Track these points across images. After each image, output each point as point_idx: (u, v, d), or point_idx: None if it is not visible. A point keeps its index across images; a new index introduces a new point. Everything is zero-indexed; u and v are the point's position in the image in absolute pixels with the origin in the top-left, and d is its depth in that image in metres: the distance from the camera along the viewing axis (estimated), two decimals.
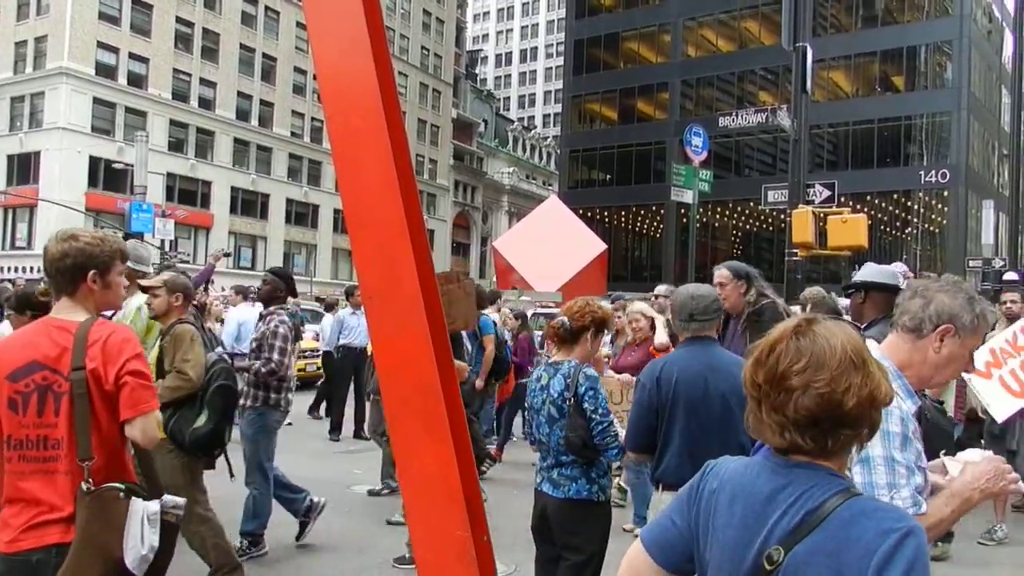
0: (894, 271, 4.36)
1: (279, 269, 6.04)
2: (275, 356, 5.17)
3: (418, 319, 4.21)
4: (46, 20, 40.45)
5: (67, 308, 2.32)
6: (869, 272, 4.26)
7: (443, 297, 4.85)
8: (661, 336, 6.17)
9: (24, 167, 40.80)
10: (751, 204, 38.14)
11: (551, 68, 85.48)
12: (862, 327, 4.02)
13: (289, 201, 51.02)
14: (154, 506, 2.23)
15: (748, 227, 41.49)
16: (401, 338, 4.26)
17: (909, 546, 1.26)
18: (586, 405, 3.19)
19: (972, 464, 1.92)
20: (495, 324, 8.27)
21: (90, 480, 2.15)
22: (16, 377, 2.18)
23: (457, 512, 4.05)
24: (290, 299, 6.02)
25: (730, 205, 40.11)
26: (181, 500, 2.36)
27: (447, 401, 4.22)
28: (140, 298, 5.19)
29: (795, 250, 11.74)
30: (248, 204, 48.60)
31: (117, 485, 2.19)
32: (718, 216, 41.00)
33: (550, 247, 16.65)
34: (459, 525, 4.00)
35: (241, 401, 5.07)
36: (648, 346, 6.29)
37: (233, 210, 47.38)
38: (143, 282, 4.56)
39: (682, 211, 38.74)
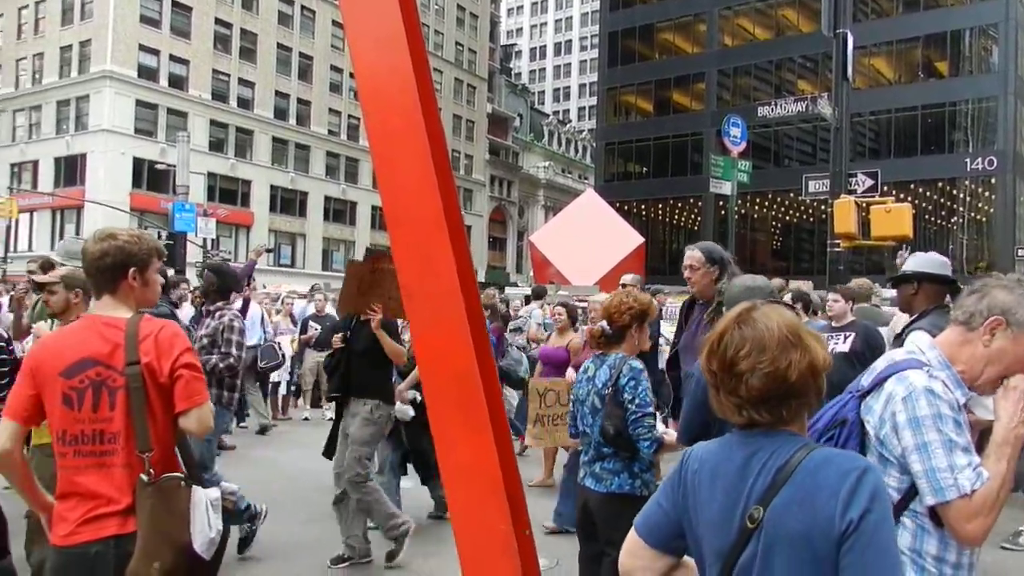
0: (946, 261, 4.21)
1: (217, 264, 6.05)
2: (233, 351, 5.01)
3: (457, 314, 4.23)
4: (90, 24, 41.35)
5: (110, 306, 2.38)
6: (920, 262, 4.07)
7: (396, 281, 4.85)
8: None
9: (71, 169, 41.79)
10: (791, 195, 37.61)
11: (586, 61, 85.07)
12: (913, 318, 3.91)
13: (327, 198, 51.55)
14: (215, 492, 2.30)
15: (788, 218, 40.91)
16: (440, 332, 4.29)
17: (868, 481, 1.43)
18: (625, 395, 3.18)
19: (1000, 402, 1.93)
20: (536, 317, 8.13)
21: (151, 471, 2.20)
22: (70, 374, 2.24)
23: (498, 505, 4.07)
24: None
25: (769, 196, 39.57)
26: (235, 487, 2.43)
27: (487, 394, 4.24)
28: None
29: (837, 241, 11.56)
30: (287, 202, 49.21)
31: (177, 475, 2.25)
32: (757, 207, 40.50)
33: (587, 241, 16.60)
34: (501, 518, 4.02)
35: None
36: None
37: (272, 208, 48.01)
38: (37, 278, 4.30)
39: (720, 203, 38.30)
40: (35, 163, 43.50)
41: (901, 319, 6.10)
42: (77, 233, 40.10)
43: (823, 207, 36.19)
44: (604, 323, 3.34)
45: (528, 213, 71.42)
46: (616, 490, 3.22)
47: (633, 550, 1.70)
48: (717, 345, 1.58)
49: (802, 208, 38.69)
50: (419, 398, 5.69)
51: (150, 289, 2.45)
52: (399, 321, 5.74)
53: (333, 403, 5.61)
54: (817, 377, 1.53)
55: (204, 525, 2.23)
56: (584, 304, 10.73)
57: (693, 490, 1.60)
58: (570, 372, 6.13)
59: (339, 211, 52.63)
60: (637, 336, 3.37)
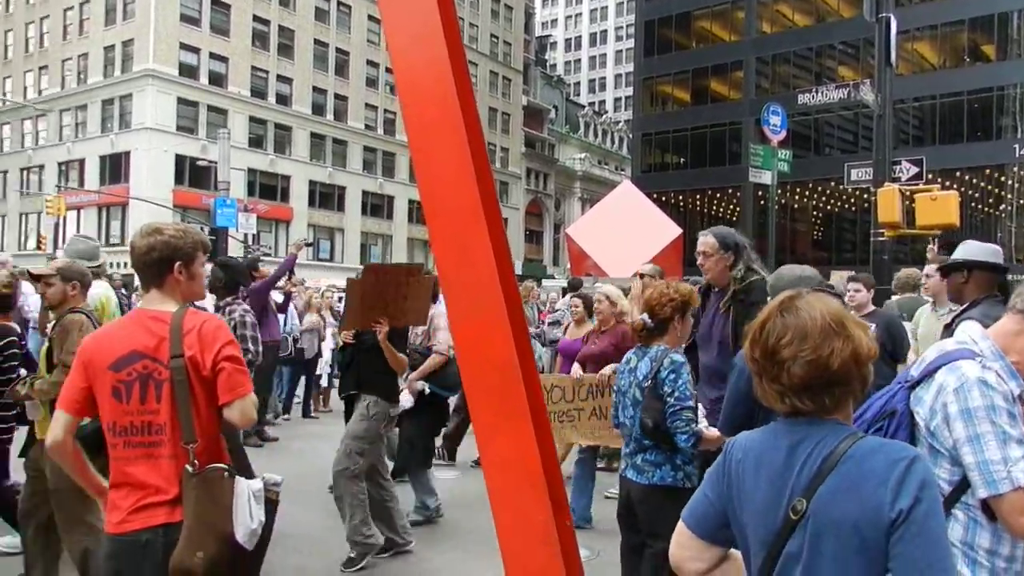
0: (998, 249, 4.08)
1: (227, 259, 5.91)
2: (249, 346, 4.98)
3: (496, 305, 4.22)
4: (132, 24, 42.13)
5: (157, 299, 2.43)
6: (971, 250, 3.94)
7: (404, 290, 4.77)
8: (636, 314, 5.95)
9: (116, 167, 42.69)
10: (832, 184, 36.95)
11: (621, 51, 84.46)
12: (963, 307, 3.80)
13: (365, 193, 51.96)
14: (257, 484, 2.34)
15: (829, 208, 40.23)
16: (478, 322, 4.30)
17: (917, 470, 1.42)
18: (665, 388, 3.15)
19: None
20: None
21: (195, 462, 2.24)
22: (118, 367, 2.29)
23: (539, 496, 4.06)
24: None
25: (810, 185, 38.94)
26: (279, 478, 2.47)
27: (526, 385, 4.23)
28: (93, 288, 5.26)
29: (881, 230, 11.30)
30: (325, 197, 49.71)
31: (220, 466, 2.29)
32: (797, 197, 39.88)
33: (624, 232, 16.46)
34: (541, 509, 4.02)
35: None
36: (616, 333, 5.84)
37: (311, 203, 48.54)
38: (35, 270, 4.28)
39: (759, 193, 37.81)
40: (81, 161, 44.51)
41: (925, 311, 5.96)
42: (122, 231, 41.00)
43: (866, 196, 35.53)
44: (645, 316, 3.30)
45: (564, 205, 71.21)
46: (658, 482, 3.19)
47: (682, 541, 1.70)
48: (759, 333, 1.58)
49: (844, 197, 38.01)
50: (428, 390, 5.65)
51: (196, 283, 2.50)
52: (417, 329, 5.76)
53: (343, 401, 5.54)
54: (861, 366, 1.52)
55: (246, 516, 2.26)
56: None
57: (737, 479, 1.59)
58: (575, 368, 5.95)
59: (376, 205, 53.03)
60: (680, 328, 3.33)
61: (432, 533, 5.63)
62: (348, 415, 5.14)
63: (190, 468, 2.24)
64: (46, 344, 4.00)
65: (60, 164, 45.60)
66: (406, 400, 5.49)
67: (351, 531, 4.76)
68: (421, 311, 5.16)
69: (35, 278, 4.21)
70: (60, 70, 46.26)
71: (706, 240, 4.10)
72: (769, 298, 3.25)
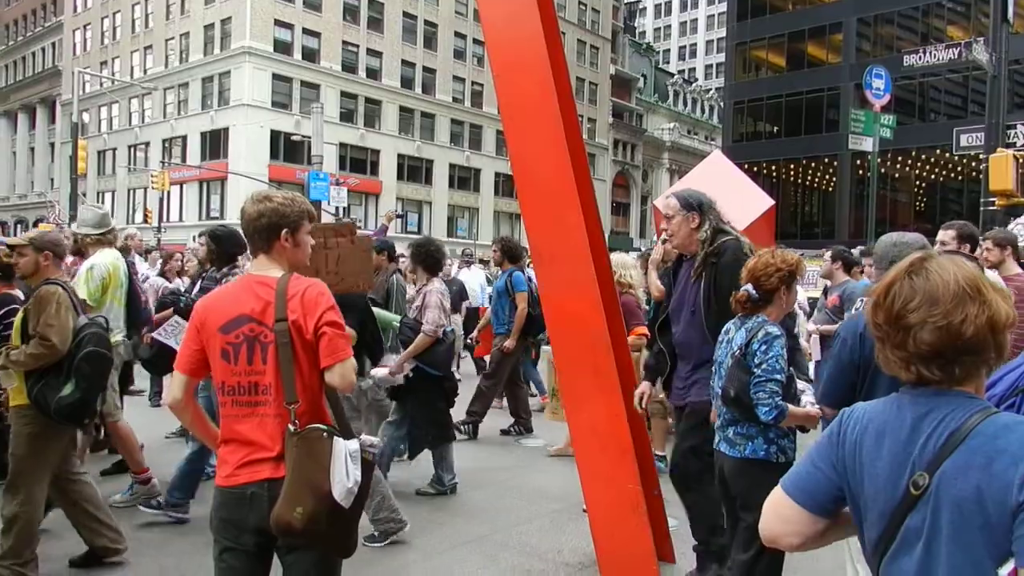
0: None
1: (220, 230, 5.52)
2: None
3: (587, 276, 4.26)
4: (230, 2, 43.44)
5: (264, 265, 2.53)
6: None
7: (326, 252, 4.44)
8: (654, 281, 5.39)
9: (215, 143, 44.34)
10: (937, 151, 35.06)
11: (713, 16, 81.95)
12: None
13: (452, 166, 52.39)
14: (354, 444, 2.41)
15: (933, 177, 38.22)
16: (571, 295, 4.34)
17: None
18: (755, 359, 3.08)
19: None
20: (530, 280, 7.69)
21: (296, 422, 2.35)
22: (227, 329, 2.41)
23: (628, 465, 4.10)
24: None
25: (912, 153, 37.05)
26: (376, 440, 2.55)
27: (617, 357, 4.23)
28: (94, 258, 5.23)
29: (992, 199, 10.72)
30: (414, 170, 50.38)
31: (320, 426, 2.38)
32: (899, 166, 38.02)
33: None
34: (630, 478, 4.05)
35: None
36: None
37: (400, 176, 49.30)
38: (8, 240, 4.22)
39: (858, 162, 36.25)
40: (184, 138, 46.42)
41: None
42: (222, 205, 42.65)
43: (974, 163, 33.65)
44: (750, 287, 3.20)
45: (652, 177, 70.06)
46: (749, 455, 3.13)
47: (785, 515, 1.60)
48: (884, 297, 1.49)
49: (949, 165, 36.03)
50: (410, 373, 5.38)
51: (301, 250, 2.60)
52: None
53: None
54: (998, 334, 1.42)
55: (343, 475, 2.34)
56: None
57: (854, 450, 1.52)
58: None
59: (463, 178, 53.41)
60: (785, 298, 3.23)
61: (440, 515, 5.49)
62: None
63: (291, 427, 2.34)
64: (21, 314, 3.99)
65: (164, 141, 47.67)
66: (380, 373, 5.20)
67: (372, 513, 4.60)
68: (360, 275, 4.74)
69: (10, 249, 4.21)
70: (164, 49, 48.19)
71: (667, 202, 3.90)
72: (874, 267, 3.14)
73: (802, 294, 7.11)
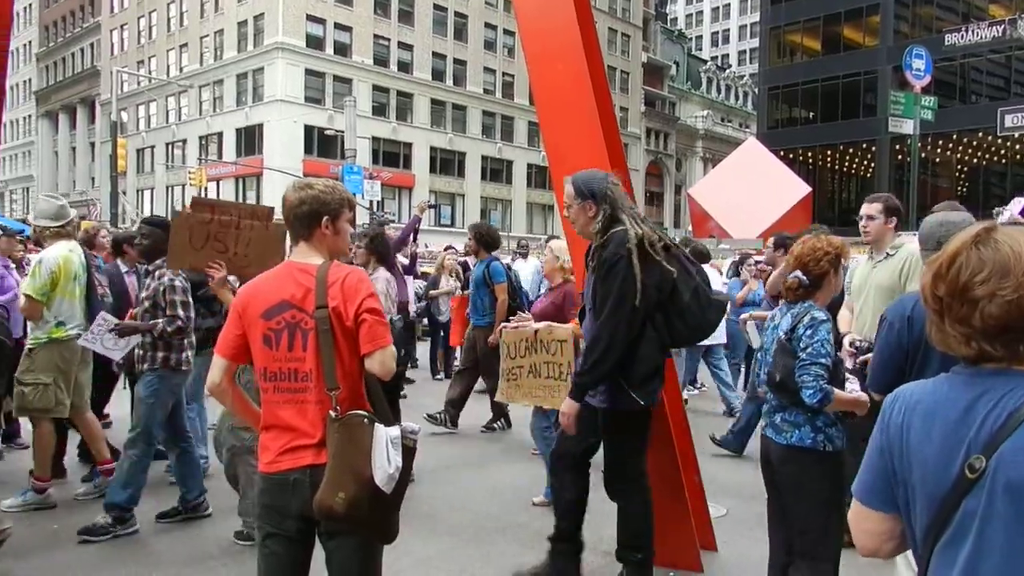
0: None
1: (155, 218, 5.18)
2: (180, 312, 4.66)
3: None
4: None
5: (305, 252, 2.56)
6: None
7: (238, 233, 4.26)
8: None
9: (250, 139, 44.88)
10: (979, 134, 34.30)
11: (746, 0, 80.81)
12: None
13: (484, 158, 52.43)
14: (395, 431, 2.43)
15: (976, 161, 37.36)
16: None
17: None
18: (801, 343, 3.04)
19: None
20: (508, 268, 7.41)
21: (337, 408, 2.37)
22: (269, 315, 2.44)
23: (669, 451, 4.08)
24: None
25: (953, 137, 36.25)
26: (417, 427, 2.57)
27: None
28: (45, 251, 5.06)
29: None
30: (446, 163, 50.52)
31: (361, 412, 2.40)
32: (939, 150, 37.22)
33: (749, 192, 15.89)
34: (670, 464, 4.02)
35: (137, 365, 4.79)
36: (559, 292, 5.26)
37: (432, 169, 49.48)
38: None
39: (897, 147, 35.57)
40: (220, 135, 47.05)
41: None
42: (258, 200, 43.15)
43: (1019, 146, 32.79)
44: (799, 273, 3.14)
45: (685, 166, 69.43)
46: (796, 443, 3.08)
47: (864, 525, 1.52)
48: (947, 268, 1.40)
49: (992, 148, 35.21)
50: None
51: (341, 238, 2.62)
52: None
53: None
54: None
55: (384, 461, 2.36)
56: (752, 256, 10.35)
57: (901, 433, 1.45)
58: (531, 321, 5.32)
59: (496, 170, 53.42)
60: (834, 282, 3.19)
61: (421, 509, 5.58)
62: None
63: (332, 414, 2.36)
64: None
65: (200, 138, 48.37)
66: None
67: (244, 508, 4.50)
68: (267, 260, 4.45)
69: None
70: (199, 47, 48.85)
71: (565, 188, 3.65)
72: (921, 251, 3.08)
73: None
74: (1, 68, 5.87)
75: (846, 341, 3.87)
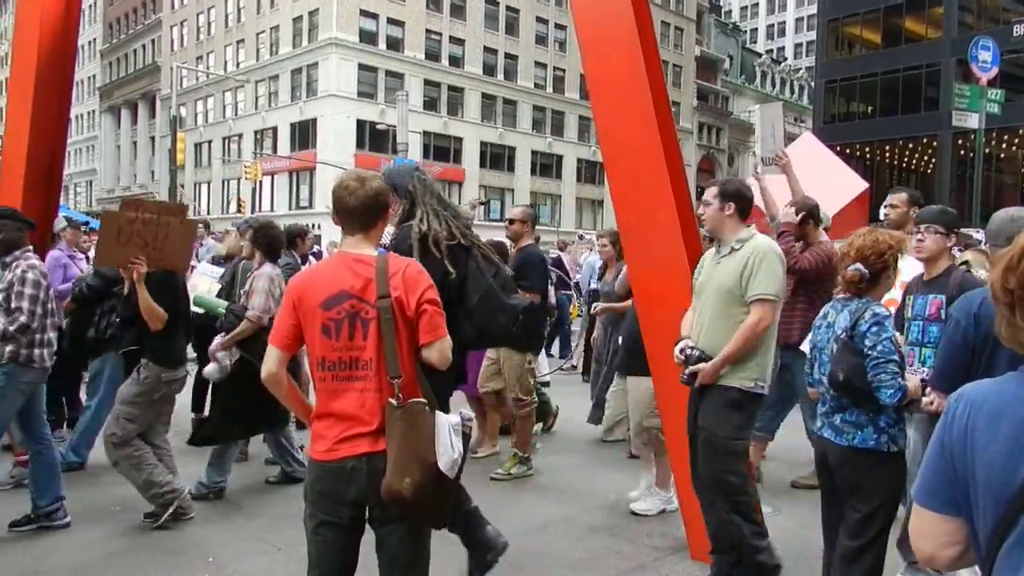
0: None
1: (4, 210, 4.72)
2: (24, 305, 4.30)
3: (676, 253, 4.20)
4: None
5: (358, 243, 2.59)
6: None
7: (157, 228, 4.48)
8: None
9: (304, 133, 45.58)
10: None
11: None
12: None
13: (534, 153, 52.39)
14: (455, 418, 2.50)
15: None
16: (658, 272, 4.28)
17: None
18: (866, 341, 2.96)
19: None
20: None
21: (400, 396, 2.41)
22: (329, 306, 2.47)
23: None
24: None
25: (1020, 132, 34.97)
26: (471, 414, 2.63)
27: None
28: None
29: None
30: (496, 158, 50.61)
31: (422, 400, 2.46)
32: (1004, 145, 35.97)
33: (805, 188, 15.60)
34: None
35: None
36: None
37: (482, 164, 49.62)
38: None
39: (959, 142, 34.47)
40: (274, 129, 47.87)
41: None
42: (311, 194, 43.81)
43: None
44: (860, 265, 3.05)
45: (738, 161, 68.38)
46: (859, 444, 3.00)
47: (925, 529, 1.48)
48: (1019, 260, 1.37)
49: None
50: (232, 360, 5.00)
51: (382, 231, 2.71)
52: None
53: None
54: None
55: (448, 446, 2.44)
56: None
57: (964, 434, 1.41)
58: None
59: (546, 165, 53.33)
60: (892, 278, 3.11)
61: (521, 494, 5.63)
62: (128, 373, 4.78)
63: (394, 402, 2.41)
64: None
65: (256, 132, 49.28)
66: (213, 371, 5.01)
67: (143, 491, 4.57)
68: (179, 256, 4.76)
69: None
70: (255, 43, 49.74)
71: None
72: (988, 247, 2.98)
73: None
74: (69, 67, 6.08)
75: (676, 349, 3.67)
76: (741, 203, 3.70)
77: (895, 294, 4.17)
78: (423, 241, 3.31)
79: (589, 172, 53.58)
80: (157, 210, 4.66)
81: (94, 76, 68.79)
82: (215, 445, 5.28)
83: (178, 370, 4.76)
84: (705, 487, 3.69)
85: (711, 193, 3.75)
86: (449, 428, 2.45)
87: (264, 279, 5.07)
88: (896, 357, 2.92)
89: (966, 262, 4.10)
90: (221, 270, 6.80)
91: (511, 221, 6.08)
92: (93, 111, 69.48)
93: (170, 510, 4.60)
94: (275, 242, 5.37)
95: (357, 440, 2.44)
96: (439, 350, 2.48)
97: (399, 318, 2.45)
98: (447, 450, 2.42)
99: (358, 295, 2.46)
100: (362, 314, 2.45)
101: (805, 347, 3.66)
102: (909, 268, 4.23)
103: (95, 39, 68.56)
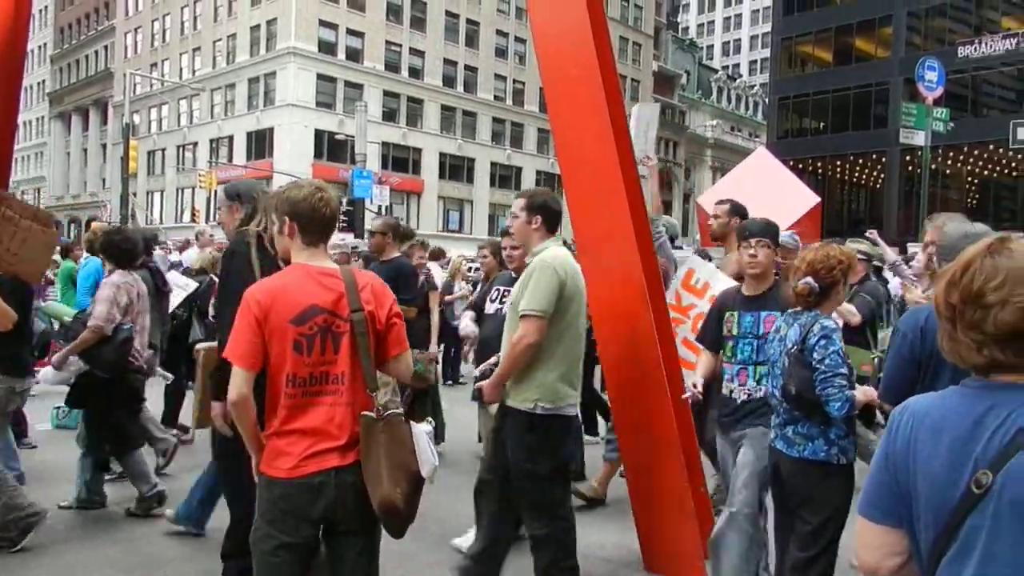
0: None
1: None
2: None
3: (633, 266, 4.23)
4: (275, 3, 44.09)
5: (316, 255, 2.55)
6: None
7: (15, 229, 4.18)
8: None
9: (260, 143, 45.06)
10: (990, 147, 34.15)
11: (758, 10, 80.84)
12: None
13: (493, 164, 52.48)
14: (428, 427, 2.56)
15: (986, 173, 37.23)
16: (614, 285, 4.31)
17: None
18: (814, 355, 3.01)
19: None
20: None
21: (379, 409, 2.42)
22: (301, 321, 2.41)
23: (675, 464, 4.06)
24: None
25: (964, 149, 36.09)
26: (432, 425, 2.67)
27: (663, 351, 4.19)
28: None
29: None
30: (455, 169, 50.59)
31: (399, 412, 2.47)
32: (949, 162, 37.08)
33: (758, 202, 15.77)
34: (676, 476, 4.00)
35: None
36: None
37: (442, 175, 49.55)
38: None
39: (907, 158, 35.44)
40: (230, 138, 47.24)
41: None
42: None
43: None
44: (810, 280, 3.10)
45: (695, 174, 69.36)
46: (809, 456, 3.06)
47: (867, 539, 1.50)
48: (960, 276, 1.41)
49: (1003, 161, 35.05)
50: (76, 369, 4.82)
51: None
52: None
53: None
54: None
55: (428, 455, 2.48)
56: None
57: (908, 445, 1.44)
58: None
59: (504, 176, 53.45)
60: (841, 292, 3.17)
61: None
62: None
63: (372, 414, 2.41)
64: None
65: (211, 141, 48.57)
66: (49, 377, 4.86)
67: (1, 514, 4.29)
68: (35, 264, 4.47)
69: None
70: (211, 51, 49.09)
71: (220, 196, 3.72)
72: (944, 259, 3.03)
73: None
74: (18, 71, 5.93)
75: (477, 371, 3.71)
76: (548, 216, 3.61)
77: (704, 307, 4.21)
78: (259, 240, 3.33)
79: (548, 184, 53.66)
80: (22, 211, 4.36)
81: (44, 81, 67.21)
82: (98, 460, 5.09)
83: (27, 380, 4.60)
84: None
85: (518, 205, 3.64)
86: (426, 437, 2.50)
87: (110, 288, 4.86)
88: (844, 370, 2.98)
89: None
90: (195, 284, 6.78)
91: (372, 233, 6.02)
92: (42, 117, 67.85)
93: (28, 536, 4.30)
94: (119, 248, 5.08)
95: (326, 455, 2.40)
96: (406, 362, 2.55)
97: (370, 332, 2.46)
98: (428, 458, 2.47)
99: (331, 309, 2.44)
100: (333, 328, 2.44)
101: None
102: (721, 283, 4.29)
103: (46, 44, 67.03)
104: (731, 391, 3.56)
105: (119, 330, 4.78)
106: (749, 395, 3.49)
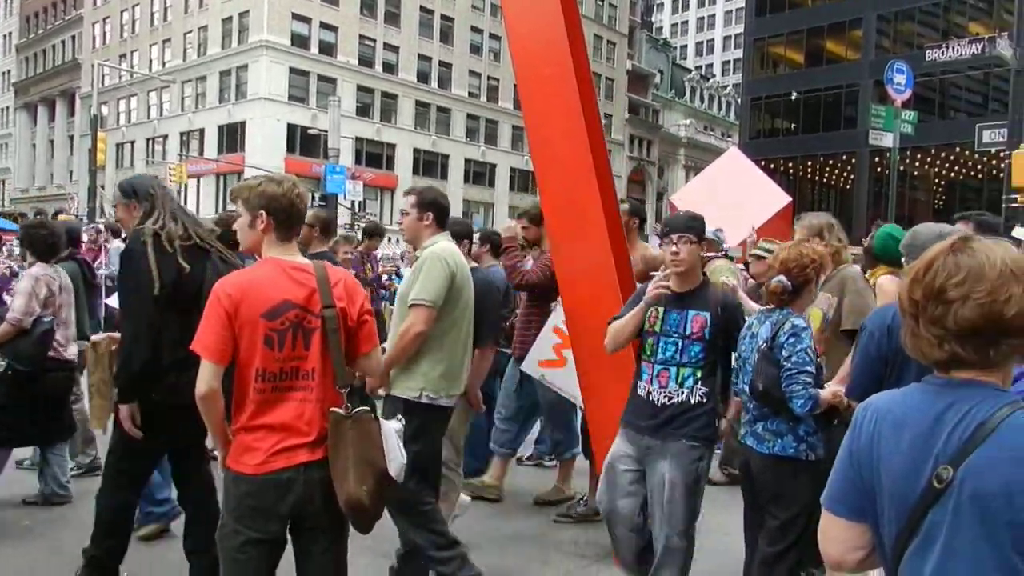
0: None
1: None
2: None
3: (605, 262, 4.25)
4: None
5: (288, 250, 2.53)
6: None
7: None
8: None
9: (232, 136, 44.56)
10: (957, 149, 34.74)
11: (731, 11, 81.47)
12: None
13: (467, 161, 52.40)
14: (398, 424, 2.56)
15: (952, 175, 37.86)
16: (587, 281, 4.32)
17: None
18: (783, 352, 3.05)
19: None
20: None
21: (348, 405, 2.40)
22: (272, 316, 2.39)
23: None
24: None
25: (932, 151, 36.70)
26: (402, 423, 2.67)
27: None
28: None
29: (1015, 195, 10.62)
30: (429, 165, 50.43)
31: (368, 409, 2.45)
32: (917, 164, 37.68)
33: (730, 201, 15.92)
34: None
35: None
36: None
37: (415, 171, 49.34)
38: None
39: (876, 159, 35.95)
40: (201, 131, 46.66)
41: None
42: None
43: (994, 161, 33.25)
44: (783, 278, 3.12)
45: (668, 173, 69.79)
46: (779, 452, 3.09)
47: (831, 533, 1.53)
48: (924, 273, 1.44)
49: (969, 163, 35.68)
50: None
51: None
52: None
53: None
54: None
55: (396, 453, 2.47)
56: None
57: (871, 442, 1.47)
58: None
59: (479, 173, 53.41)
60: (813, 291, 3.21)
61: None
62: None
63: (342, 411, 2.39)
64: None
65: (182, 134, 47.94)
66: None
67: None
68: None
69: None
70: (182, 43, 48.43)
71: (115, 192, 3.67)
72: (905, 259, 3.08)
73: None
74: None
75: None
76: (439, 212, 3.69)
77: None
78: (156, 239, 3.24)
79: (522, 181, 53.85)
80: None
81: (9, 71, 65.88)
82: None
83: None
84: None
85: (409, 202, 3.68)
86: (395, 435, 2.48)
87: (29, 280, 4.74)
88: (810, 368, 3.02)
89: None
90: None
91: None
92: (7, 108, 66.49)
93: None
94: (44, 243, 4.89)
95: (295, 451, 2.39)
96: (377, 359, 2.56)
97: (342, 328, 2.44)
98: (396, 455, 2.45)
99: (303, 305, 2.42)
100: (304, 324, 2.41)
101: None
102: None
103: (11, 32, 65.71)
104: (649, 393, 3.32)
105: (39, 323, 4.64)
106: (670, 398, 3.26)
